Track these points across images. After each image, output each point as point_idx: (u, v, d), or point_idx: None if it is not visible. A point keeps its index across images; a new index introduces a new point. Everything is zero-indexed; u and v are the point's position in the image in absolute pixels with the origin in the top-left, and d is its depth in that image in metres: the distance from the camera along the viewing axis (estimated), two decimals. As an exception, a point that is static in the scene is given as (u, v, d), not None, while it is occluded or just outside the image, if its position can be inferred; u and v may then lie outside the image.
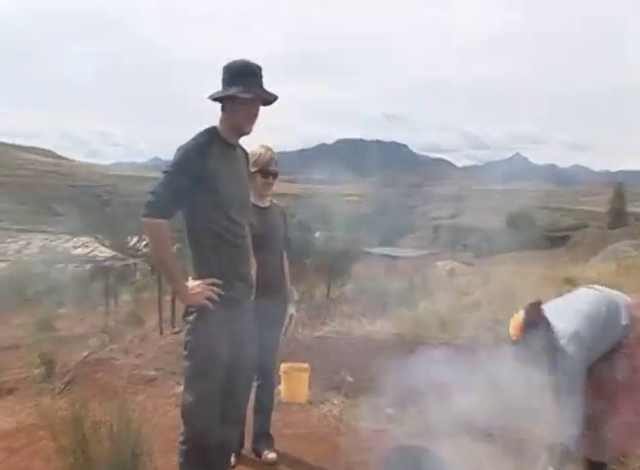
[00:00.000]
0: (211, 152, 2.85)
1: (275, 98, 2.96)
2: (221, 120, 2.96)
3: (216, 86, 2.93)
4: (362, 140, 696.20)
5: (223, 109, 2.95)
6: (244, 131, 2.99)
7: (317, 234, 30.30)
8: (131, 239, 39.78)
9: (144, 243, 33.82)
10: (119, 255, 29.74)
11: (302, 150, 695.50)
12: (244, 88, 2.85)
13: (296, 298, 4.14)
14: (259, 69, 2.93)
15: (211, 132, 2.93)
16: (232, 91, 2.86)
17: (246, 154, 3.19)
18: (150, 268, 23.08)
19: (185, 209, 2.88)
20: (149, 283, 19.14)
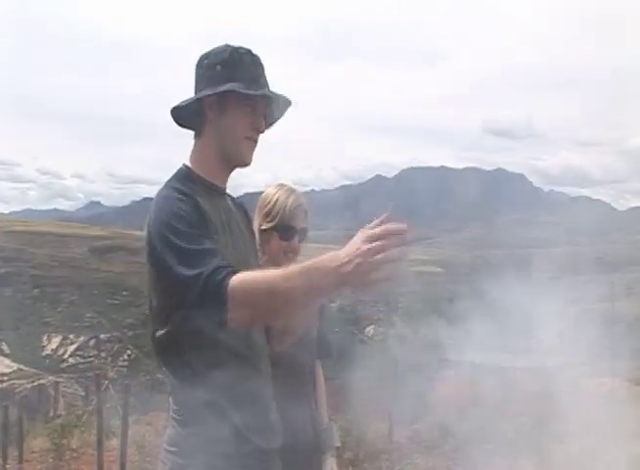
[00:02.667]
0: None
1: (288, 104, 2.05)
2: (196, 152, 2.02)
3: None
4: (445, 168, 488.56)
5: (200, 130, 2.00)
6: (241, 160, 2.01)
7: (369, 330, 22.82)
8: (48, 341, 32.94)
9: (71, 347, 27.17)
10: (26, 368, 22.76)
11: (344, 187, 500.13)
12: (245, 84, 1.92)
13: (337, 443, 2.80)
14: (259, 57, 2.02)
15: (184, 175, 1.97)
16: (227, 86, 1.90)
17: (241, 207, 2.21)
18: (82, 393, 16.90)
19: (155, 303, 1.89)
20: (80, 417, 12.98)
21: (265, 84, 2.01)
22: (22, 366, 22.83)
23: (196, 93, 2.01)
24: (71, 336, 38.18)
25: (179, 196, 1.86)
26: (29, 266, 79.99)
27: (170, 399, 1.99)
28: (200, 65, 2.02)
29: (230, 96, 1.94)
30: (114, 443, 9.26)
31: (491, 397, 10.16)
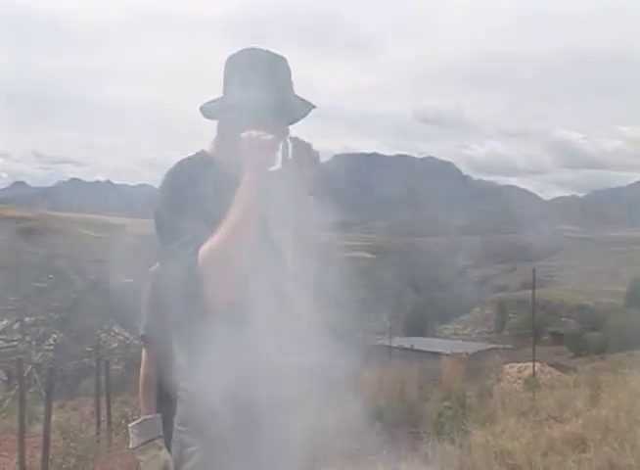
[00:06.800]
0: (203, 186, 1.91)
1: (309, 107, 2.09)
2: (214, 141, 2.13)
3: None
4: (377, 155, 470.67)
5: (219, 124, 2.12)
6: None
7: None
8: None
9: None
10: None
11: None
12: (265, 91, 1.95)
13: None
14: (285, 61, 2.04)
15: (198, 155, 2.08)
16: (237, 99, 1.97)
17: None
18: (5, 377, 16.21)
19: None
20: (2, 402, 12.43)
21: (289, 89, 2.06)
22: None
23: (224, 90, 2.08)
24: (-6, 319, 36.91)
25: (181, 171, 1.97)
26: (-51, 247, 76.69)
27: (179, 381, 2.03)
28: (226, 65, 2.08)
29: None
30: (37, 428, 9.02)
31: (417, 381, 10.35)
